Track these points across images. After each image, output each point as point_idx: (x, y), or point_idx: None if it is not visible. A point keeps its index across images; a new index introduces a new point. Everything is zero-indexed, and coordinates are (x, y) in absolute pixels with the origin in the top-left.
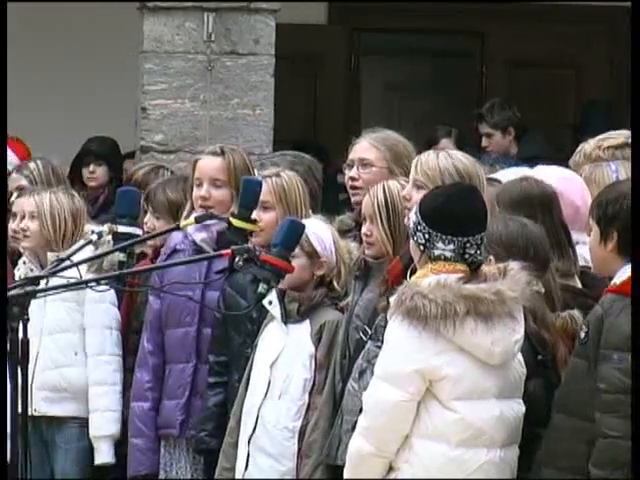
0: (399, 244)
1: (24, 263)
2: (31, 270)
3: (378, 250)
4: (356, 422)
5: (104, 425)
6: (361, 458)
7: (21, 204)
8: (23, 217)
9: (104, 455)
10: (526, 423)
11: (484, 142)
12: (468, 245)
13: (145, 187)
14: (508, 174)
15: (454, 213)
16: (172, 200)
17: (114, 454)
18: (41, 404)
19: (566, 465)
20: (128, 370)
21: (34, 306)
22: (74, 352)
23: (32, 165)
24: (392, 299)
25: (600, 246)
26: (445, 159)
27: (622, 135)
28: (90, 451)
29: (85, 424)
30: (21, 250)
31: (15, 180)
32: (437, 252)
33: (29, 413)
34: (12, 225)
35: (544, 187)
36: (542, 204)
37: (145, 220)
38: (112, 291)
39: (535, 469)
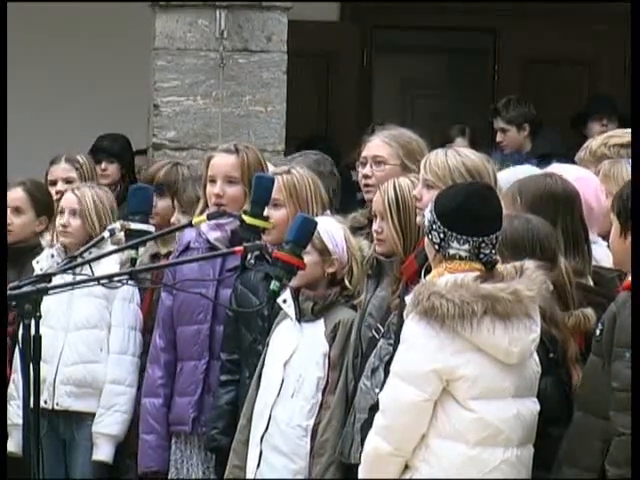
0: (410, 241)
1: (52, 256)
2: (57, 264)
3: (389, 247)
4: (365, 420)
5: (112, 425)
6: (378, 457)
7: (63, 200)
8: (63, 212)
9: (104, 454)
10: (538, 421)
11: (499, 137)
12: (483, 245)
13: (168, 186)
14: (511, 173)
15: (470, 214)
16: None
17: (114, 455)
18: (64, 398)
19: (585, 464)
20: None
21: (58, 301)
22: (99, 348)
23: (80, 159)
24: (408, 298)
25: (620, 240)
26: (454, 157)
27: (628, 133)
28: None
29: None
30: (43, 244)
31: (65, 170)
32: (452, 251)
33: (50, 407)
34: (59, 220)
35: (568, 185)
36: (565, 203)
37: (172, 220)
38: (137, 292)
39: (556, 468)
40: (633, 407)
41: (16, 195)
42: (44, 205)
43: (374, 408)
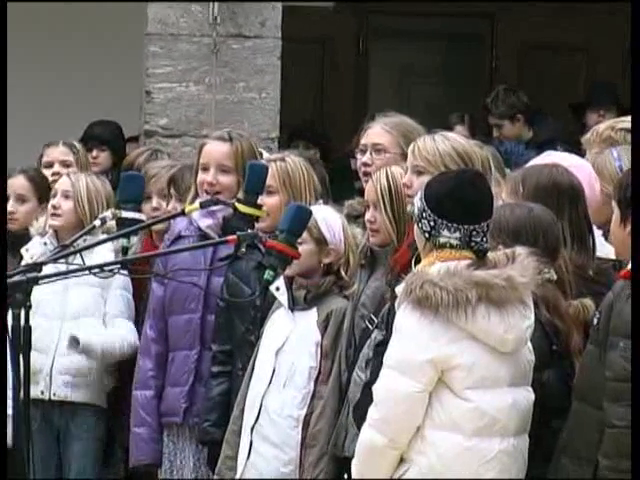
0: (403, 231)
1: (44, 244)
2: (50, 252)
3: (383, 238)
4: (357, 402)
5: (117, 344)
6: (373, 450)
7: (58, 183)
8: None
9: (89, 351)
10: (540, 414)
11: (495, 133)
12: (474, 233)
13: (146, 172)
14: None
15: (461, 201)
16: None
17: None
18: (61, 389)
19: (583, 455)
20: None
21: (53, 290)
22: None
23: (78, 145)
24: (398, 288)
25: (620, 228)
26: (443, 142)
27: None
28: (102, 441)
29: (100, 413)
30: (32, 232)
31: (63, 153)
32: (443, 240)
33: (47, 398)
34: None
35: (573, 178)
36: (570, 195)
37: (169, 208)
38: (130, 283)
39: (555, 458)
40: (633, 399)
41: (19, 183)
42: (45, 191)
43: (367, 386)
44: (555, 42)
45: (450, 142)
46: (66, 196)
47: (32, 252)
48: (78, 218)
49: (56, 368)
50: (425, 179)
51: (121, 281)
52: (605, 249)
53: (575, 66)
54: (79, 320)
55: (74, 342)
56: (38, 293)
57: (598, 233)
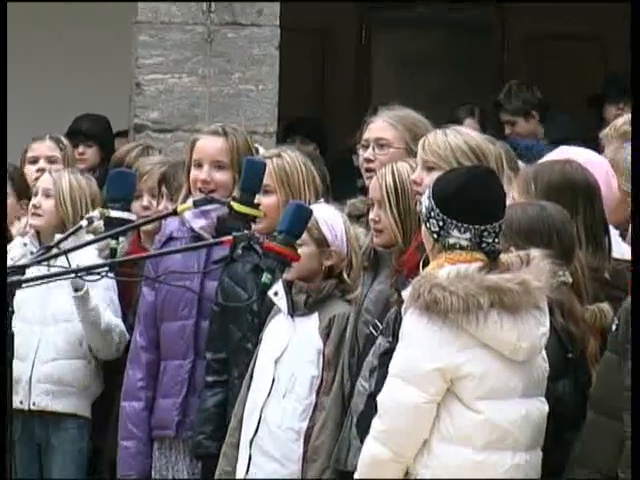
0: (410, 231)
1: (25, 245)
2: (31, 253)
3: (387, 238)
4: (362, 413)
5: (106, 318)
6: (377, 464)
7: (39, 181)
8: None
9: (87, 301)
10: (555, 426)
11: (507, 130)
12: (486, 233)
13: (138, 169)
14: None
15: (471, 200)
16: None
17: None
18: (42, 397)
19: (598, 466)
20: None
21: (34, 293)
22: (79, 342)
23: (65, 140)
24: (405, 292)
25: None
26: (455, 137)
27: None
28: (86, 454)
29: (83, 424)
30: (13, 233)
31: (50, 148)
32: (452, 241)
33: (26, 408)
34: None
35: (588, 175)
36: (586, 194)
37: (161, 207)
38: (115, 285)
39: (568, 469)
40: (633, 406)
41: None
42: (23, 188)
43: (371, 397)
44: (566, 31)
45: (462, 137)
46: (47, 195)
47: (13, 254)
48: (60, 218)
49: (36, 376)
50: (436, 175)
51: (106, 282)
52: (621, 249)
53: (588, 56)
54: (61, 325)
55: (78, 284)
56: (18, 296)
57: (615, 233)
